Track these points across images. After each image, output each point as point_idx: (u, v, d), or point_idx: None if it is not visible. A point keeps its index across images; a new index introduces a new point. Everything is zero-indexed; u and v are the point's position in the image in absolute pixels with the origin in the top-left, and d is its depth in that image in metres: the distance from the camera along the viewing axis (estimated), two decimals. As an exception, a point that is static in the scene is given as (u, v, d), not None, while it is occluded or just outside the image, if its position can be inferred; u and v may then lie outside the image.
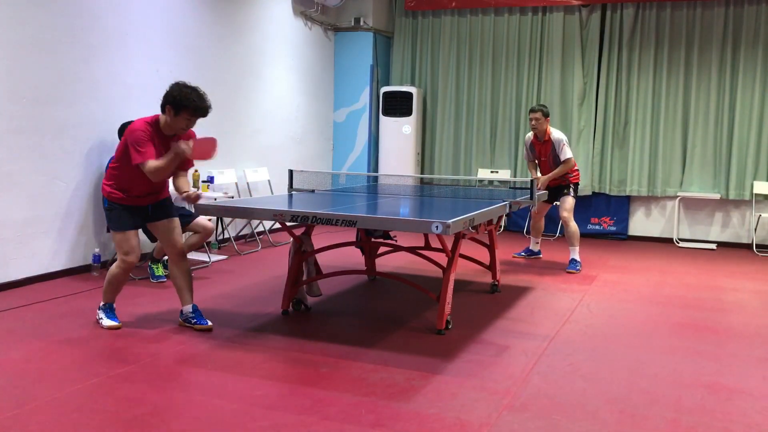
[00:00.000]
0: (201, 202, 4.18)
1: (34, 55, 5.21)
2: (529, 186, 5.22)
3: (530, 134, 6.67)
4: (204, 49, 6.95)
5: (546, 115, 6.47)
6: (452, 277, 4.39)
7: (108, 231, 4.63)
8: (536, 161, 6.72)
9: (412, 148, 9.23)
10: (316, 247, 4.90)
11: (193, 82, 3.95)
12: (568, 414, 3.15)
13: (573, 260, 6.55)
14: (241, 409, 3.11)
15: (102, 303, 4.35)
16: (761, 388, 3.56)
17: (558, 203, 6.67)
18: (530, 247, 7.18)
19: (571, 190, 6.59)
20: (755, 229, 8.10)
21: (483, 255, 5.74)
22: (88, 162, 5.73)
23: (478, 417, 3.08)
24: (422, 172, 9.40)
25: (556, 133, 6.50)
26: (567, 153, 6.43)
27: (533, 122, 6.45)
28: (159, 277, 5.54)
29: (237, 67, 7.47)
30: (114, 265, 4.28)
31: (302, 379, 3.48)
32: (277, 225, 7.79)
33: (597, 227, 8.73)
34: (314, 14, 8.85)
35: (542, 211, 6.95)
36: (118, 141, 5.80)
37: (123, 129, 5.70)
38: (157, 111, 6.52)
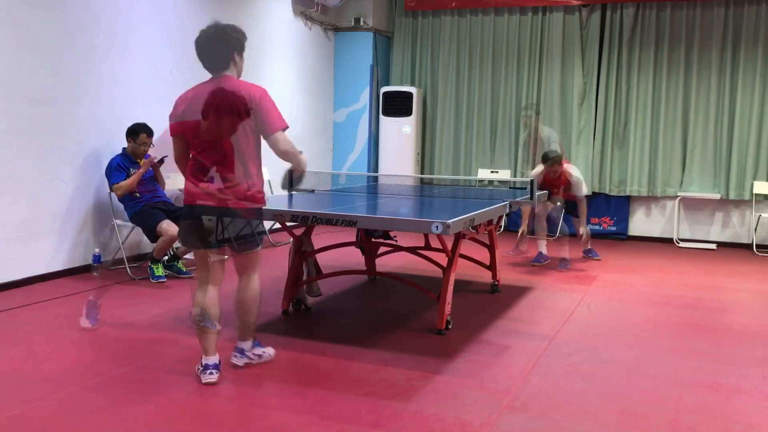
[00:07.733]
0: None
1: (33, 56, 5.21)
2: (528, 186, 5.22)
3: (540, 168, 6.70)
4: (204, 49, 6.93)
5: (562, 158, 6.71)
6: (452, 277, 4.39)
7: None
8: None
9: (412, 148, 9.23)
10: (316, 247, 4.90)
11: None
12: (568, 414, 3.15)
13: (590, 249, 7.21)
14: (241, 409, 3.11)
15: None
16: (761, 388, 3.56)
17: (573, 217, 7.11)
18: (542, 251, 6.87)
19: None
20: (755, 229, 8.10)
21: (483, 255, 5.74)
22: (88, 162, 5.73)
23: (478, 417, 3.08)
24: (422, 172, 9.39)
25: (574, 173, 6.70)
26: (584, 191, 6.83)
27: (556, 167, 6.57)
28: (159, 277, 5.52)
29: (237, 67, 7.45)
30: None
31: (302, 379, 3.49)
32: (277, 225, 7.78)
33: (597, 227, 8.72)
34: (314, 14, 8.85)
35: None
36: (118, 141, 5.82)
37: (133, 131, 5.68)
38: (155, 111, 6.53)
